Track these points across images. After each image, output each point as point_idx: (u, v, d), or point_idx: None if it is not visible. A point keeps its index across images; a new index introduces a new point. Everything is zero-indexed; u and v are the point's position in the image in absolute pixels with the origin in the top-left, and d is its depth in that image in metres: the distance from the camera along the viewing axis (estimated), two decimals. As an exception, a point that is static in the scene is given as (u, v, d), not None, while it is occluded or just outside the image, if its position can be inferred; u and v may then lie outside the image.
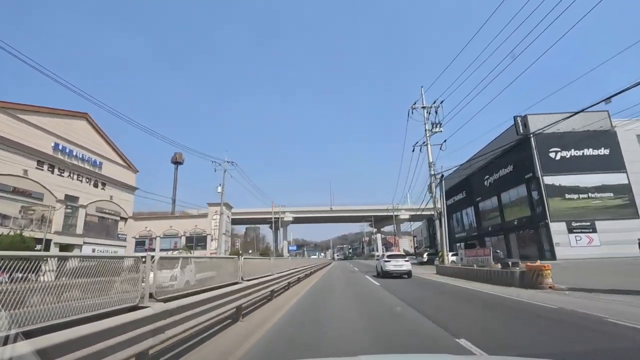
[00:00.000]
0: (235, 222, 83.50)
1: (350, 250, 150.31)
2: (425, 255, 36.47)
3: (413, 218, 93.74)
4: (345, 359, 2.37)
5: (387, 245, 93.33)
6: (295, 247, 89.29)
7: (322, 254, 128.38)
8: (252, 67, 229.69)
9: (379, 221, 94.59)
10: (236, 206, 64.46)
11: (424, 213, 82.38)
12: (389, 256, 19.84)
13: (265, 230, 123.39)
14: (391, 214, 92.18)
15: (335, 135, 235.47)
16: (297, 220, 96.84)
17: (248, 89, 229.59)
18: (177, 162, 66.78)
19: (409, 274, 18.51)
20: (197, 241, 50.63)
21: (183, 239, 50.54)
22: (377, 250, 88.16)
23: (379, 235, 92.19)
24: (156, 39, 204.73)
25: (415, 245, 76.05)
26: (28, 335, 2.31)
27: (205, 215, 51.29)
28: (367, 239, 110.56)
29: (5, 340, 2.18)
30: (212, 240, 50.18)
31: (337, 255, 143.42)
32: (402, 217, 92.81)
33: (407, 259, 19.43)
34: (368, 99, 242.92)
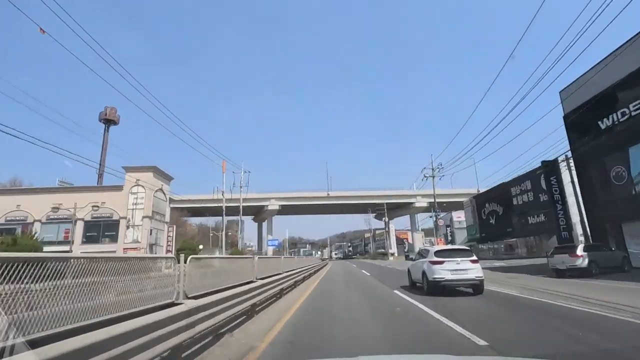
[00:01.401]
0: (195, 211, 63.81)
1: (350, 249, 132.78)
2: (580, 249, 14.88)
3: (427, 208, 74.79)
4: (344, 359, 1.97)
5: (399, 242, 73.75)
6: (276, 243, 69.48)
7: (319, 253, 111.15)
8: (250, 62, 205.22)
9: (388, 211, 74.36)
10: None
11: (455, 200, 62.52)
12: (439, 253, 10.09)
13: (248, 223, 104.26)
14: (406, 200, 72.67)
15: (335, 132, 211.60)
16: (284, 210, 76.79)
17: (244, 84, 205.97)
18: (107, 120, 46.94)
19: (477, 287, 9.58)
20: (104, 229, 30.77)
21: (81, 225, 30.69)
22: (391, 247, 68.36)
23: (392, 227, 72.07)
24: (155, 37, 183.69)
25: (449, 238, 56.26)
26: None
27: (119, 188, 31.32)
28: (370, 234, 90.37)
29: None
30: (128, 226, 30.38)
31: (336, 254, 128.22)
32: (417, 205, 73.41)
33: (474, 257, 10.00)
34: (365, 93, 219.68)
